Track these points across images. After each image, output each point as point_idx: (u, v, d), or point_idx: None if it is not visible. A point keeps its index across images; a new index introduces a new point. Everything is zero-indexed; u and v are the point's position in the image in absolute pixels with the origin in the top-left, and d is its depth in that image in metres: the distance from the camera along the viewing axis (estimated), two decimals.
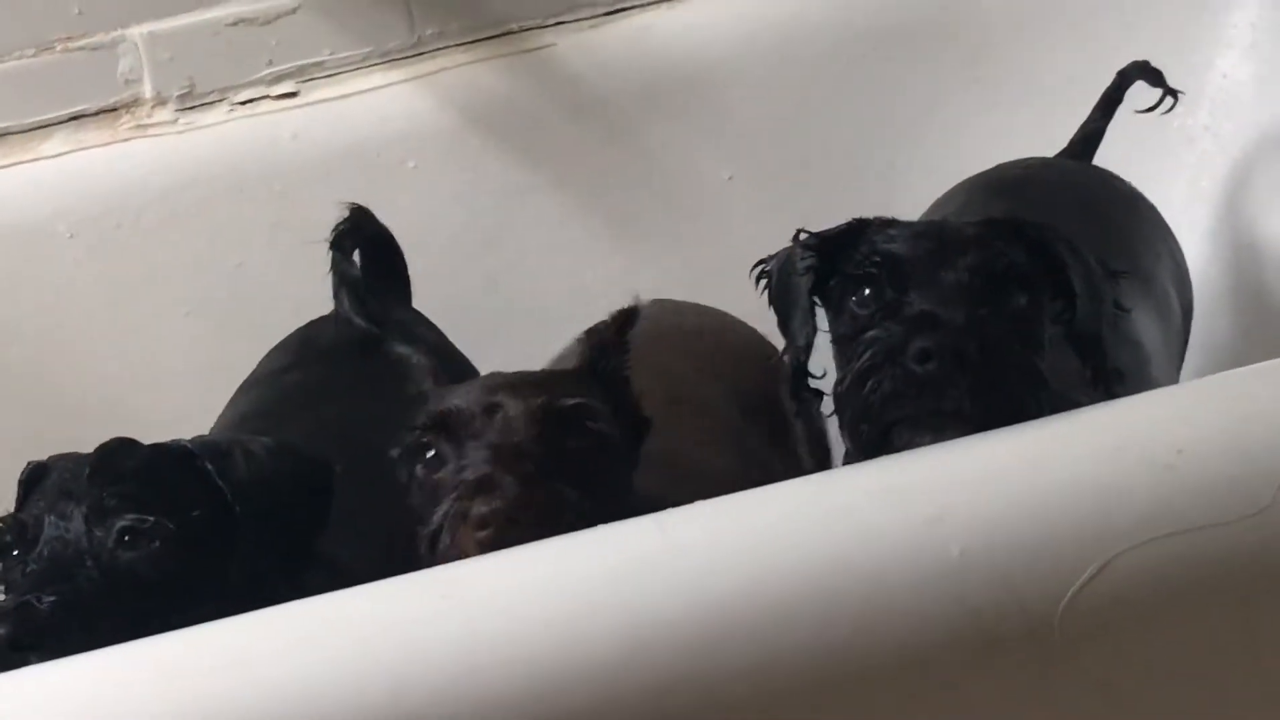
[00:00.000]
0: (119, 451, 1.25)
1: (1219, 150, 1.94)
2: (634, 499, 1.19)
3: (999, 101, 2.01)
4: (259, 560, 1.24)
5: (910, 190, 1.88)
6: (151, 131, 1.97)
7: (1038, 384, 1.18)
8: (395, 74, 1.94)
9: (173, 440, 1.28)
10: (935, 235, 1.25)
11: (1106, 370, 1.26)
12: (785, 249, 1.32)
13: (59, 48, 1.96)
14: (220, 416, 1.57)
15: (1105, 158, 1.72)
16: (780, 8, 2.07)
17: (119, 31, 1.96)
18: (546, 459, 1.17)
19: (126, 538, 1.20)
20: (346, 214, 1.61)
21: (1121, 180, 1.66)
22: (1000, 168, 1.68)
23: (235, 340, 1.64)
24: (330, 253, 1.59)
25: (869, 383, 1.19)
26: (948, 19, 2.04)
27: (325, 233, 1.60)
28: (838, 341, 1.27)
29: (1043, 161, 1.72)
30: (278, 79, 1.99)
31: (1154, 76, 1.70)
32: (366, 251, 1.64)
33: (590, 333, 1.30)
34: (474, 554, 1.14)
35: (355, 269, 1.60)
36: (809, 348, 1.30)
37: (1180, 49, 1.90)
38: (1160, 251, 1.61)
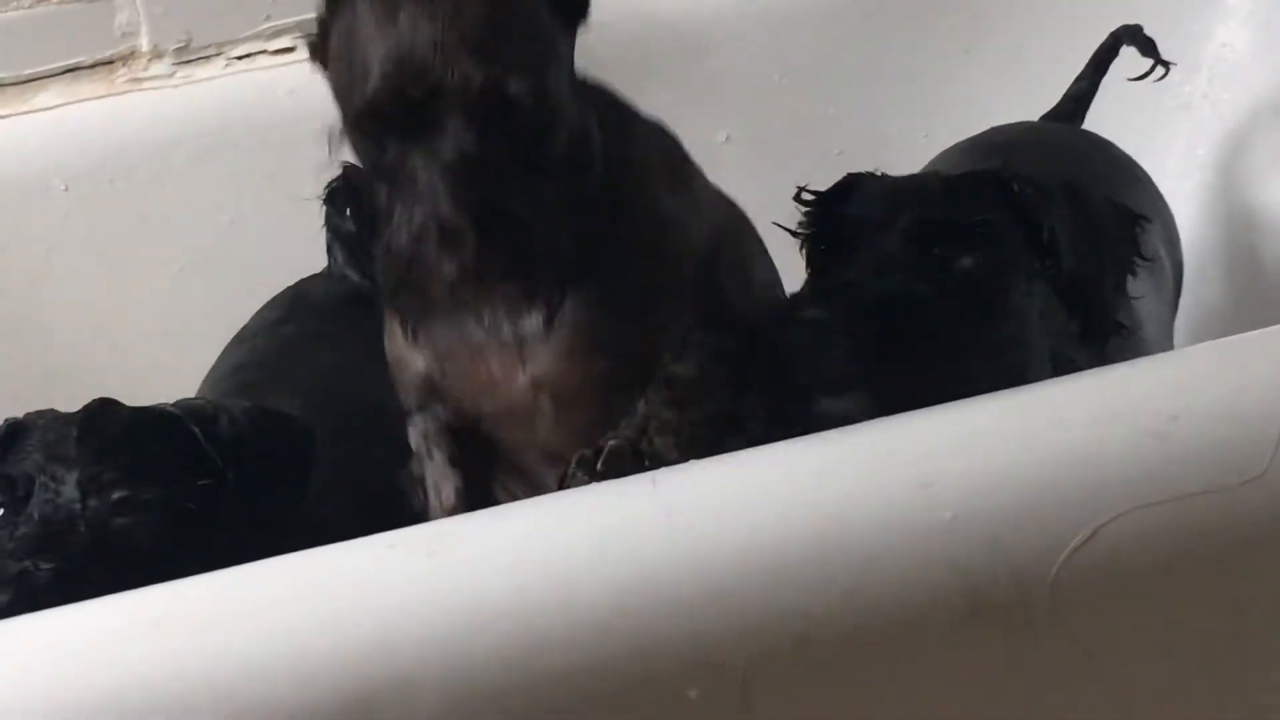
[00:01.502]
0: (104, 414, 1.25)
1: (1216, 118, 1.94)
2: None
3: (994, 67, 2.01)
4: (244, 525, 1.24)
5: (905, 153, 1.88)
6: (147, 85, 1.96)
7: (963, 350, 1.17)
8: None
9: (158, 405, 1.28)
10: (892, 195, 1.23)
11: (1103, 325, 1.23)
12: None
13: (55, 1, 1.95)
14: (212, 369, 1.57)
15: (1102, 125, 1.72)
16: None
17: None
18: (500, 165, 1.11)
19: (121, 507, 1.20)
20: (340, 171, 1.61)
21: (1110, 144, 1.66)
22: (991, 131, 1.68)
23: (228, 296, 1.64)
24: (323, 208, 1.59)
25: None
26: None
27: (319, 190, 1.60)
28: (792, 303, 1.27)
29: (1032, 125, 1.72)
30: (275, 34, 1.99)
31: (1145, 44, 1.70)
32: (359, 209, 1.64)
33: None
34: (444, 295, 1.12)
35: (348, 224, 1.60)
36: None
37: (1179, 17, 1.90)
38: (1151, 214, 1.61)
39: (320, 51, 1.20)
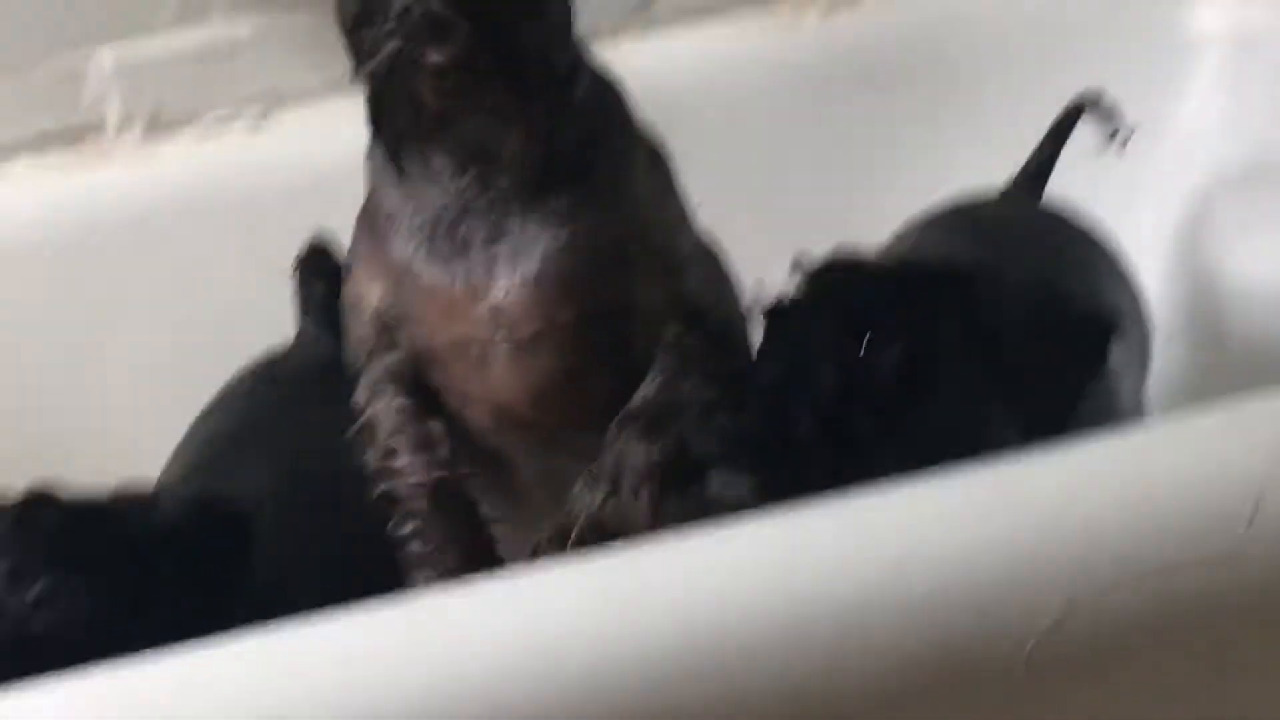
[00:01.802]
0: (38, 506, 1.23)
1: (1185, 186, 1.95)
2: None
3: (959, 137, 2.02)
4: (180, 607, 1.22)
5: (868, 221, 1.89)
6: (116, 157, 1.96)
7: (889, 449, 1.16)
8: (361, 102, 1.94)
9: (95, 493, 1.27)
10: (844, 276, 1.23)
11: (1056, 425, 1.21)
12: None
13: (25, 71, 1.95)
14: (182, 442, 1.56)
15: (1069, 192, 1.73)
16: (743, 43, 2.07)
17: (86, 56, 1.96)
18: None
19: (46, 598, 1.19)
20: (310, 242, 1.61)
21: (1076, 214, 1.66)
22: (955, 203, 1.68)
23: (200, 366, 1.63)
24: (294, 278, 1.59)
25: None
26: (909, 59, 2.05)
27: (289, 260, 1.60)
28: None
29: (997, 196, 1.72)
30: (245, 104, 1.99)
31: (1104, 110, 1.70)
32: (328, 280, 1.64)
33: None
34: (431, 102, 1.12)
35: (320, 293, 1.60)
36: None
37: (1147, 88, 1.91)
38: (1121, 289, 1.61)
39: None
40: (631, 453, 1.23)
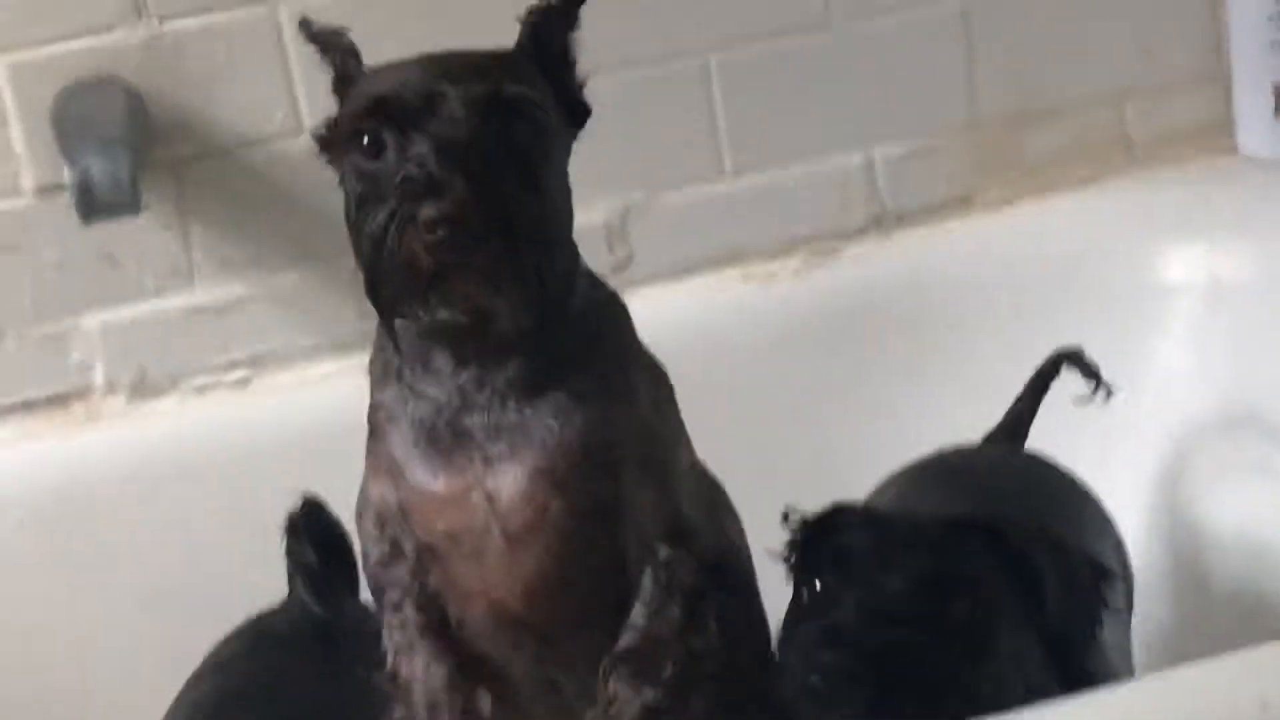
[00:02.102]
0: None
1: (1161, 437, 1.97)
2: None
3: (939, 390, 2.04)
4: None
5: (849, 471, 1.90)
6: (102, 420, 1.98)
7: (949, 693, 1.19)
8: (348, 362, 1.95)
9: None
10: (889, 530, 1.26)
11: (1081, 674, 1.27)
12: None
13: (11, 336, 1.97)
14: (171, 708, 1.55)
15: (1047, 444, 1.74)
16: (722, 295, 2.11)
17: (71, 321, 1.98)
18: (492, 154, 1.15)
19: None
20: (300, 503, 1.61)
21: (1057, 465, 1.68)
22: (938, 457, 1.69)
23: (186, 629, 1.62)
24: (284, 540, 1.59)
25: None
26: (889, 309, 2.08)
27: (278, 521, 1.59)
28: (784, 625, 1.28)
29: (981, 451, 1.73)
30: (230, 367, 2.01)
31: (1085, 367, 1.72)
32: (319, 542, 1.64)
33: (532, 9, 1.26)
34: (423, 258, 1.13)
35: (311, 555, 1.60)
36: None
37: (1124, 338, 1.94)
38: (1104, 538, 1.62)
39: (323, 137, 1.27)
40: (623, 699, 1.23)
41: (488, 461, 1.24)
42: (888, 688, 1.17)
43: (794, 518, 1.30)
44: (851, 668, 1.16)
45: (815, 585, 1.25)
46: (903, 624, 1.19)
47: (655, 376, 1.34)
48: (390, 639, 1.30)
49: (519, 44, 1.26)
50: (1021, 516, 1.35)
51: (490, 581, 1.26)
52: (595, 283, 1.31)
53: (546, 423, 1.23)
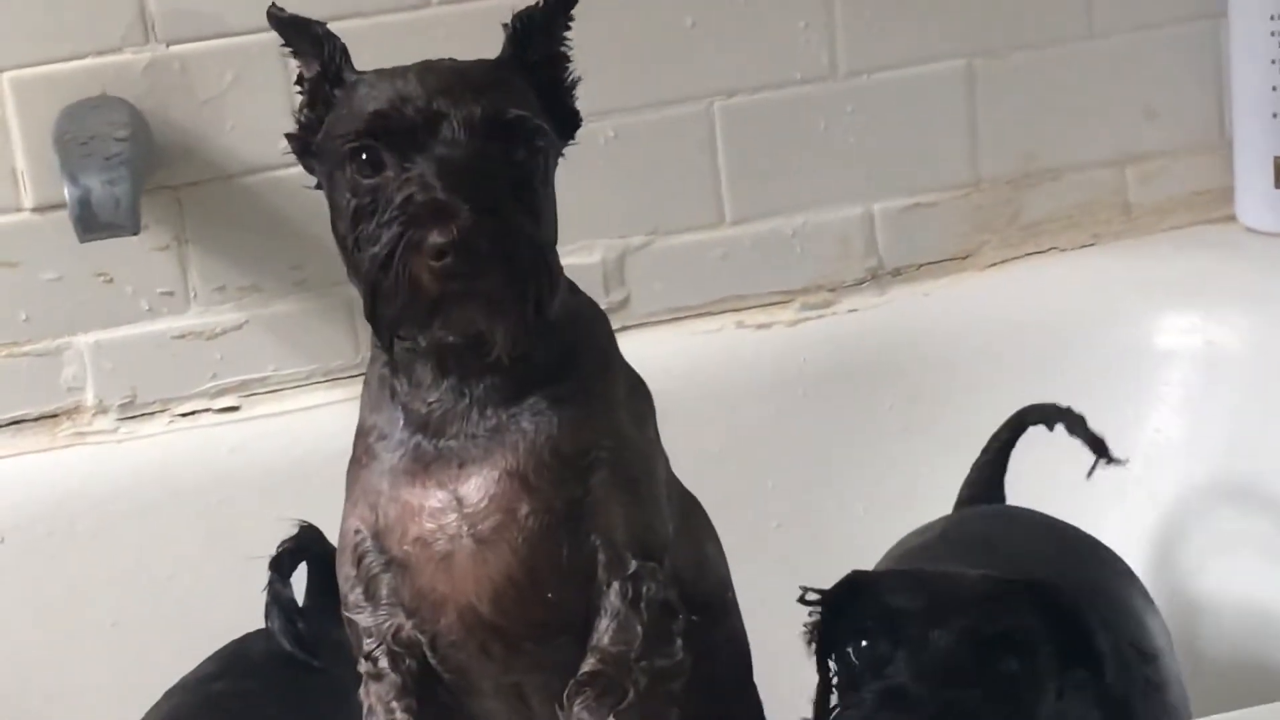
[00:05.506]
0: None
1: (1151, 504, 1.97)
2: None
3: (931, 447, 2.04)
4: None
5: (842, 527, 1.91)
6: (90, 439, 1.98)
7: None
8: (338, 392, 1.95)
9: None
10: (933, 588, 1.26)
11: None
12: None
13: (3, 353, 1.97)
14: None
15: (1036, 507, 1.74)
16: (717, 341, 2.11)
17: (65, 339, 1.98)
18: (493, 177, 1.15)
19: None
20: (294, 531, 1.60)
21: (1075, 528, 1.66)
22: (960, 519, 1.69)
23: (166, 652, 1.62)
24: (269, 571, 1.58)
25: None
26: (883, 362, 2.09)
27: (260, 548, 1.59)
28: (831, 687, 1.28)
29: (997, 511, 1.71)
30: (220, 392, 2.01)
31: (1065, 421, 1.71)
32: (311, 569, 1.63)
33: (517, 15, 1.25)
34: (429, 284, 1.13)
35: (289, 591, 1.59)
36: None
37: (1115, 405, 1.94)
38: (1137, 595, 1.61)
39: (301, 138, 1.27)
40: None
41: (461, 465, 1.24)
42: None
43: (811, 595, 1.29)
44: None
45: (861, 644, 1.24)
46: (958, 683, 1.19)
47: (635, 387, 1.33)
48: (366, 694, 1.30)
49: (504, 52, 1.25)
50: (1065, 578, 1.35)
51: (459, 586, 1.25)
52: (575, 290, 1.31)
53: (521, 426, 1.23)
